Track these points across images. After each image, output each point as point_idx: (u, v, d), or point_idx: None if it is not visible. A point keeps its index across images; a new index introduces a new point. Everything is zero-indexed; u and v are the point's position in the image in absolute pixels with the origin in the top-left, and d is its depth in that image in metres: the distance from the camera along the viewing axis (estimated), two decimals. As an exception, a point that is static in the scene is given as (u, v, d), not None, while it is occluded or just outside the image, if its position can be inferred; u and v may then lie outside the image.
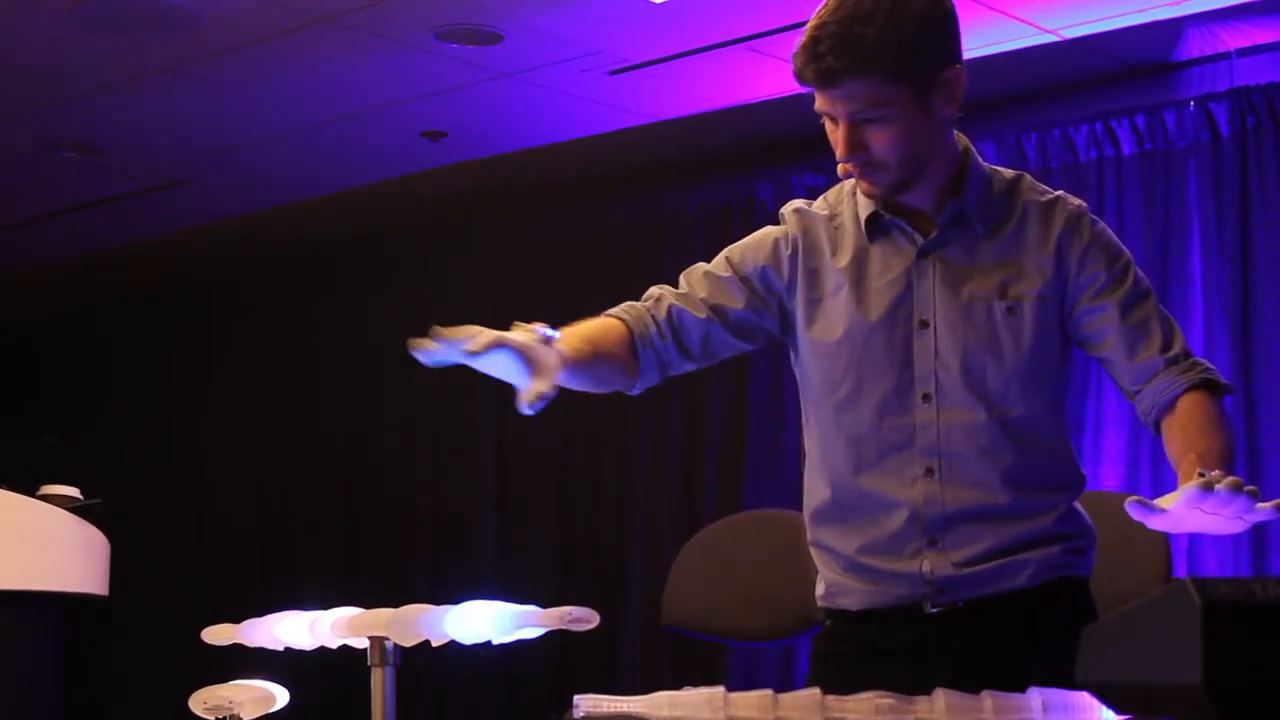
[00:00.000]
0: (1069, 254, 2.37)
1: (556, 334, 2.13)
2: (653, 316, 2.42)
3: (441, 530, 7.14)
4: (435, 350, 2.00)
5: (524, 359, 2.04)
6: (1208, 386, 2.31)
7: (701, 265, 2.49)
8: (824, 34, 2.24)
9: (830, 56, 2.23)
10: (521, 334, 2.08)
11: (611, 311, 2.42)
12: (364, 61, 5.28)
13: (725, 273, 2.46)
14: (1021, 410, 2.35)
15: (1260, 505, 1.96)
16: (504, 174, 6.50)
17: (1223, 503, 1.94)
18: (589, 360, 2.26)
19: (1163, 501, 1.95)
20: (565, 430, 6.69)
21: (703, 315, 2.43)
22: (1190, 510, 1.95)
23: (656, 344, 2.41)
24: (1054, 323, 2.37)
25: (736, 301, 2.44)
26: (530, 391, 2.02)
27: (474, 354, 2.00)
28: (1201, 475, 1.95)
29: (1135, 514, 1.93)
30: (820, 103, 2.30)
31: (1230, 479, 1.94)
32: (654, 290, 2.47)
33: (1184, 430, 2.27)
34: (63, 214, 7.03)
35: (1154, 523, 1.96)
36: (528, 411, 2.02)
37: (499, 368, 2.05)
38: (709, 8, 4.85)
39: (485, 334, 2.02)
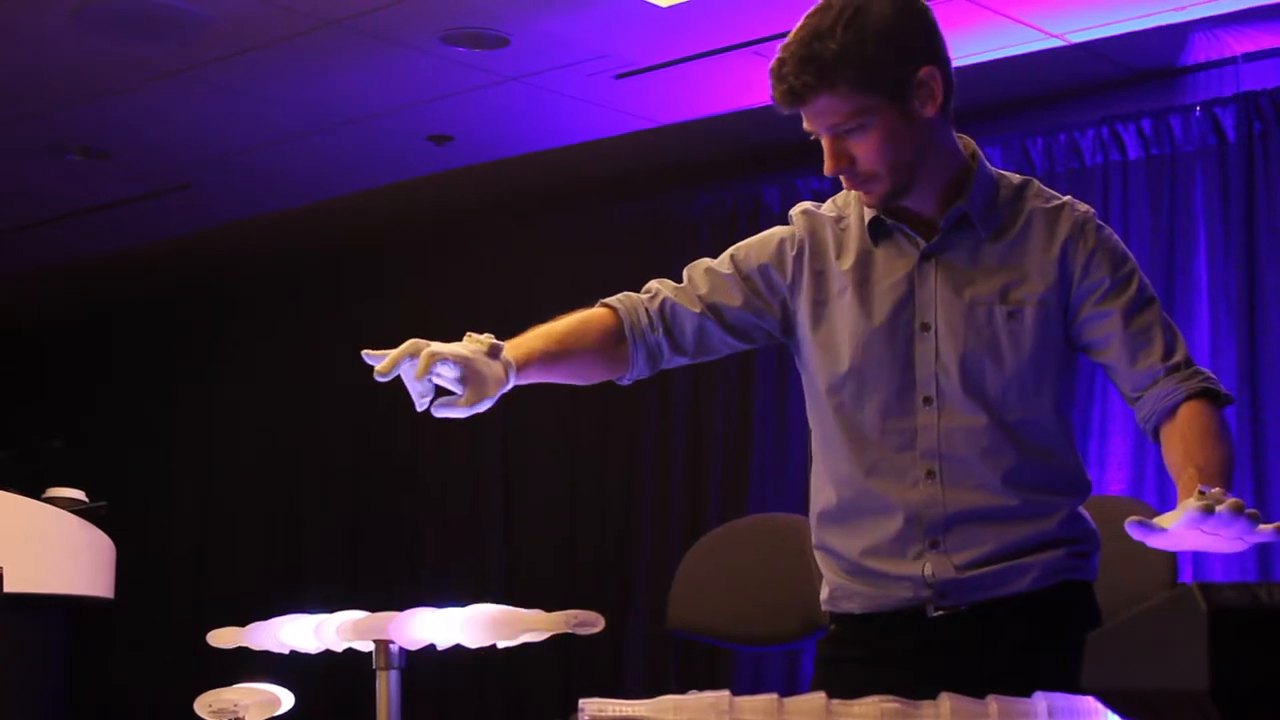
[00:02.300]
0: (1073, 259, 2.36)
1: (500, 345, 2.25)
2: (645, 308, 2.44)
3: (446, 533, 7.15)
4: (384, 365, 2.15)
5: (461, 370, 2.17)
6: (1208, 395, 2.30)
7: (705, 260, 2.51)
8: (787, 55, 2.28)
9: (792, 76, 2.26)
10: (467, 345, 2.20)
11: (606, 300, 2.45)
12: (370, 65, 5.29)
13: (727, 270, 2.47)
14: (1021, 414, 2.35)
15: (1261, 527, 1.96)
16: (510, 178, 6.51)
17: (1223, 524, 1.94)
18: (555, 359, 2.34)
19: (1163, 521, 1.95)
20: (570, 434, 6.69)
21: (697, 310, 2.45)
22: (1191, 530, 1.94)
23: (647, 335, 2.43)
24: (1056, 327, 2.37)
25: (735, 299, 2.45)
26: (461, 400, 2.17)
27: (386, 374, 2.15)
28: (1202, 494, 1.95)
29: (1135, 533, 1.93)
30: (804, 122, 2.33)
31: (1231, 501, 1.94)
32: (653, 283, 2.49)
33: (1184, 440, 2.26)
34: (69, 217, 7.04)
35: (1154, 541, 1.96)
36: (438, 413, 2.17)
37: (445, 380, 2.18)
38: (715, 12, 4.85)
39: (422, 350, 2.14)
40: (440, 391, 2.19)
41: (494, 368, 2.21)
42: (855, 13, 2.25)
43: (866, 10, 2.26)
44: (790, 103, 2.28)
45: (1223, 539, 1.97)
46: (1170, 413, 2.30)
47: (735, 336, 2.48)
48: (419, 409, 2.16)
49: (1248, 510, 1.94)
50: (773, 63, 2.30)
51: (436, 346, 2.16)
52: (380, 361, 2.15)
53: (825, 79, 2.24)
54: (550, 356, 2.32)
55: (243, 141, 6.09)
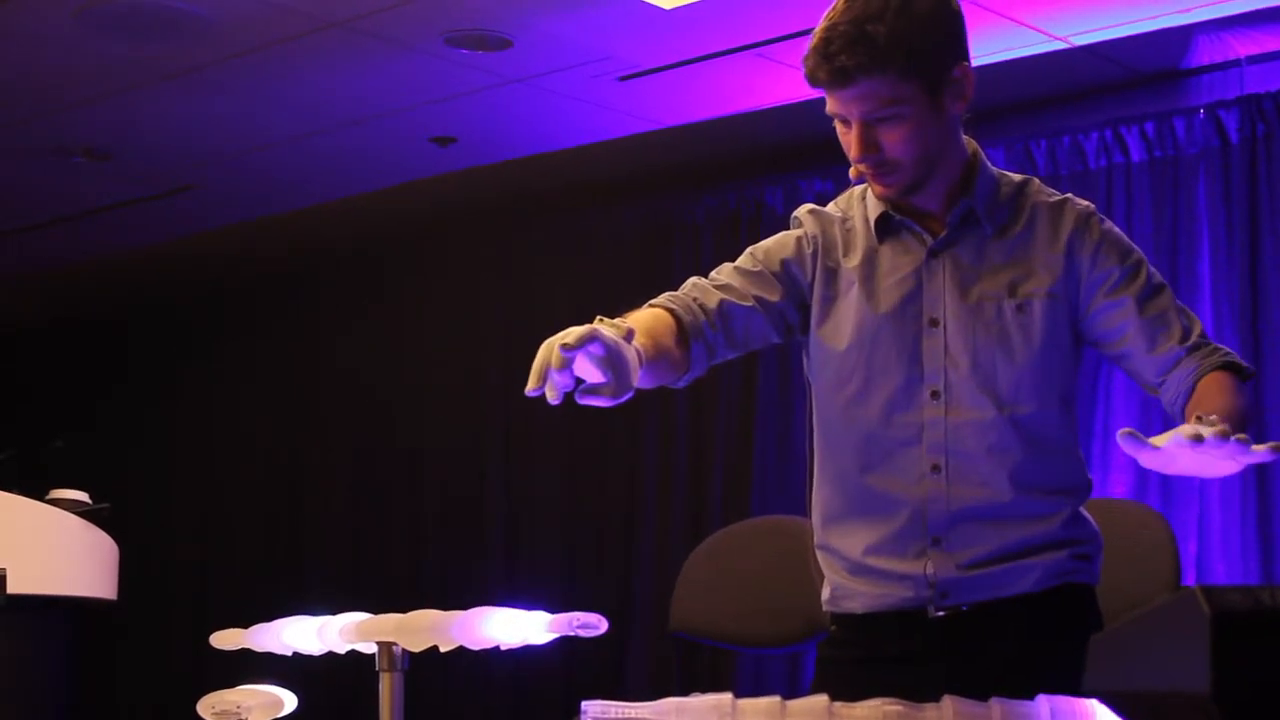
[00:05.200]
0: (1080, 253, 2.38)
1: (633, 329, 2.09)
2: (701, 307, 2.39)
3: (450, 536, 7.15)
4: (543, 386, 1.94)
5: (609, 354, 2.00)
6: (1230, 369, 2.31)
7: (728, 264, 2.48)
8: (835, 34, 2.26)
9: (843, 55, 2.24)
10: (609, 329, 2.03)
11: (656, 302, 2.38)
12: (373, 67, 5.29)
13: (758, 267, 2.45)
14: (1032, 408, 2.36)
15: (1255, 448, 1.95)
16: (513, 179, 6.51)
17: (1214, 445, 1.93)
18: (652, 356, 2.21)
19: (1156, 440, 1.95)
20: (573, 435, 6.69)
21: (747, 304, 2.41)
22: (1182, 449, 1.94)
23: (707, 335, 2.38)
24: (1064, 321, 2.38)
25: (774, 293, 2.44)
26: (609, 387, 1.99)
27: (572, 348, 1.93)
28: (1200, 419, 1.96)
29: (1127, 446, 1.94)
30: (832, 105, 2.31)
31: (1219, 426, 1.93)
32: (693, 281, 2.44)
33: (1198, 399, 2.26)
34: (72, 218, 7.04)
35: (1145, 459, 1.96)
36: (582, 400, 1.98)
37: (584, 366, 2.00)
38: (718, 14, 4.85)
39: (577, 329, 1.97)
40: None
41: (632, 353, 2.06)
42: (905, 2, 2.26)
43: (913, 2, 2.27)
44: (833, 83, 2.27)
45: (1215, 459, 1.97)
46: (1193, 390, 2.30)
47: (774, 329, 2.45)
48: (554, 401, 1.96)
49: (1236, 435, 1.94)
50: (815, 40, 2.28)
51: (590, 328, 1.99)
52: (545, 388, 1.95)
53: (877, 61, 2.23)
54: (647, 350, 2.19)
55: (245, 143, 6.09)
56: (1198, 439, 1.92)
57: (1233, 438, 1.93)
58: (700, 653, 5.75)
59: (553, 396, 1.95)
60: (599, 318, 2.06)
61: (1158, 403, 2.40)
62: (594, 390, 1.99)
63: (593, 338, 1.97)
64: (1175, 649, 1.42)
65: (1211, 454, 1.95)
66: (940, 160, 2.36)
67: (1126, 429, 1.94)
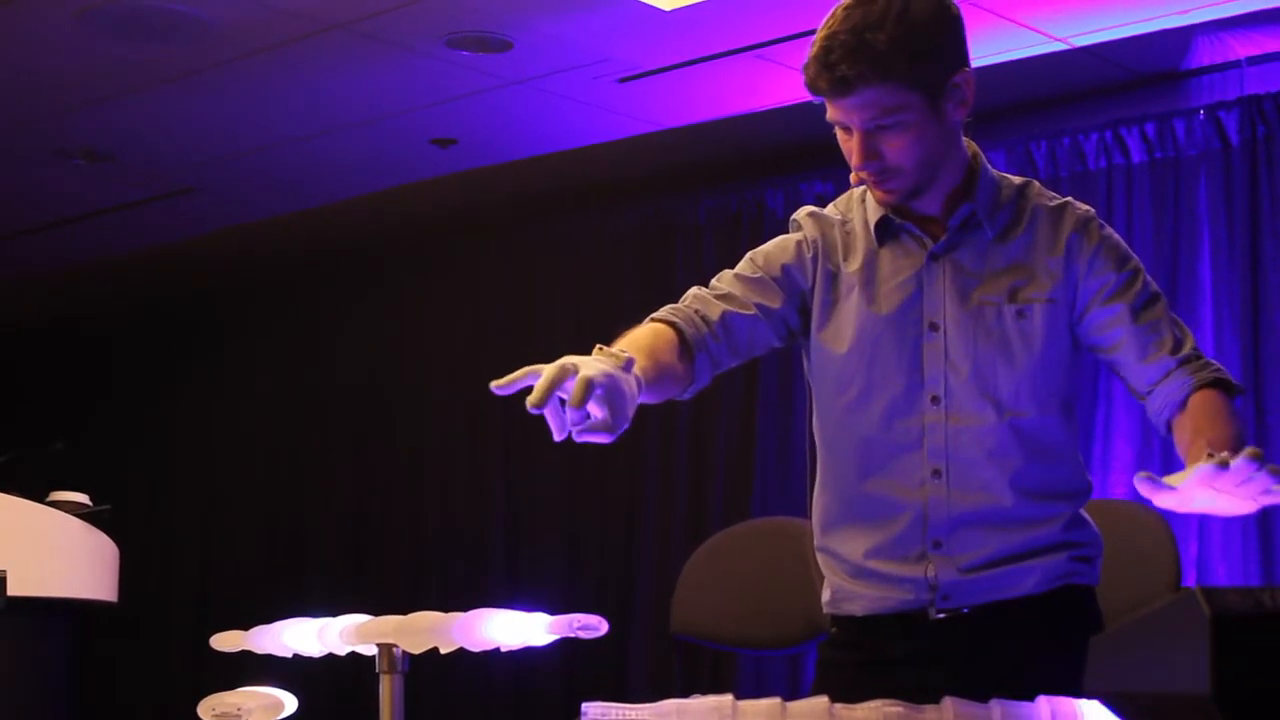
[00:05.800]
0: (1078, 257, 2.37)
1: (633, 359, 2.07)
2: (703, 318, 2.38)
3: (450, 537, 7.15)
4: (536, 397, 1.94)
5: (606, 392, 1.98)
6: (1220, 385, 2.30)
7: (729, 271, 2.47)
8: (835, 43, 2.25)
9: (843, 65, 2.24)
10: (605, 362, 2.02)
11: (657, 316, 2.38)
12: (374, 69, 5.29)
13: (758, 274, 2.45)
14: (1032, 413, 2.35)
15: (1277, 487, 1.93)
16: (513, 181, 6.51)
17: (1241, 475, 1.91)
18: (653, 378, 2.20)
19: (1172, 479, 1.94)
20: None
21: (750, 313, 2.41)
22: (1200, 488, 1.93)
23: (710, 346, 2.37)
24: (1064, 326, 2.38)
25: (775, 300, 2.43)
26: (603, 423, 1.98)
27: (540, 405, 1.93)
28: (1212, 455, 1.93)
29: (1143, 489, 1.93)
30: (833, 113, 2.31)
31: (1250, 449, 1.91)
32: (694, 292, 2.44)
33: (1194, 420, 2.25)
34: (73, 220, 7.04)
35: (1162, 500, 1.95)
36: (581, 439, 1.98)
37: (592, 402, 1.98)
38: (718, 16, 4.85)
39: (575, 379, 1.94)
40: None
41: (631, 384, 2.05)
42: (904, 9, 2.25)
43: (913, 8, 2.26)
44: (835, 91, 2.27)
45: (1234, 497, 1.95)
46: (1183, 405, 2.29)
47: (776, 335, 2.45)
48: (559, 438, 1.97)
49: (1269, 466, 1.92)
50: (815, 49, 2.28)
51: (586, 370, 1.96)
52: (513, 389, 1.97)
53: (878, 70, 2.23)
54: (650, 377, 2.18)
55: (247, 145, 6.10)
56: (1223, 465, 1.89)
57: (1265, 468, 1.91)
58: (701, 654, 5.75)
59: (561, 434, 1.95)
60: (598, 346, 2.05)
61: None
62: (592, 428, 1.98)
63: (591, 387, 1.94)
64: (1175, 650, 1.42)
65: (1234, 491, 1.94)
66: (942, 165, 2.36)
67: (1143, 473, 1.92)
